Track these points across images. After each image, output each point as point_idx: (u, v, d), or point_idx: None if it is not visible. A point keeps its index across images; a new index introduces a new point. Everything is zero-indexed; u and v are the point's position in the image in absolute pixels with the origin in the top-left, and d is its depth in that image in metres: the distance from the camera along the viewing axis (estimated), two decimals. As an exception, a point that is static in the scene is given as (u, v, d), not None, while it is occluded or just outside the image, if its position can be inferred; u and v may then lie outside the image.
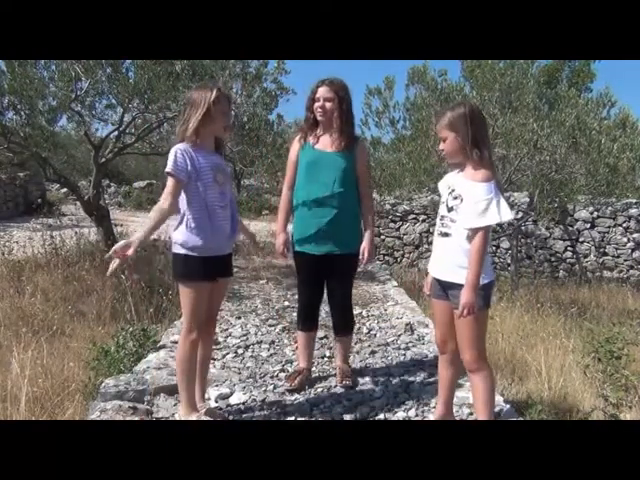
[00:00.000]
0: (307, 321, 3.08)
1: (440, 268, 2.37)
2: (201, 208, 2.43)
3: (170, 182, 2.41)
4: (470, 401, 2.74)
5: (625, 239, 10.22)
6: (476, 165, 2.24)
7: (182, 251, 2.45)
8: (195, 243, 2.42)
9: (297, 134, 3.01)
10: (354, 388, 3.05)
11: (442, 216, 2.35)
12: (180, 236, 2.45)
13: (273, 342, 3.91)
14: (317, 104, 2.83)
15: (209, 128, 2.43)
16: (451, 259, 2.30)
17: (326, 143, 2.88)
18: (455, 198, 2.28)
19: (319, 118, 2.85)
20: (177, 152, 2.39)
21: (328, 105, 2.81)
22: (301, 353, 3.16)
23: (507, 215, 2.18)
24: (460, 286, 2.23)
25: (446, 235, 2.32)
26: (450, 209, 2.31)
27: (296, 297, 3.26)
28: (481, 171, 2.22)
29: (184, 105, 2.53)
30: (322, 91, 2.82)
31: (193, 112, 2.39)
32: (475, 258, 2.18)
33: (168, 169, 2.40)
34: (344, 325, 3.11)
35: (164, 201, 2.38)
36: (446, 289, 2.36)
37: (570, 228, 10.28)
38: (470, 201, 2.20)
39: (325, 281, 3.02)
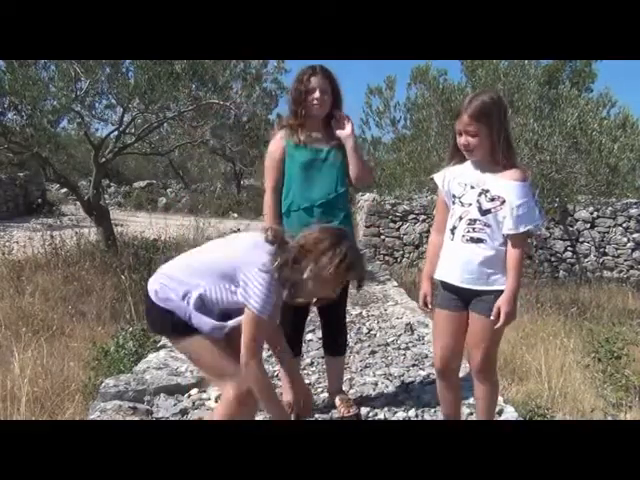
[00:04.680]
0: (293, 348, 2.59)
1: (467, 276, 2.14)
2: (210, 304, 1.83)
3: (257, 325, 1.73)
4: (470, 401, 2.74)
5: (625, 239, 10.22)
6: (508, 162, 2.07)
7: (165, 305, 1.84)
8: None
9: (280, 130, 2.58)
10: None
11: (472, 220, 2.11)
12: (164, 294, 1.84)
13: (273, 342, 3.91)
14: (314, 96, 2.43)
15: None
16: (485, 266, 2.10)
17: (318, 139, 2.53)
18: (492, 200, 2.07)
19: (315, 112, 2.47)
20: (269, 283, 1.73)
21: (326, 97, 2.45)
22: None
23: (542, 217, 2.14)
24: (491, 292, 2.10)
25: (479, 241, 2.10)
26: (485, 212, 2.09)
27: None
28: (517, 169, 2.09)
29: None
30: (317, 81, 2.44)
31: None
32: (518, 265, 2.05)
33: (256, 307, 1.71)
34: (339, 342, 2.79)
35: (254, 362, 1.76)
36: (469, 298, 2.18)
37: (570, 228, 10.28)
38: (513, 203, 2.03)
39: None
